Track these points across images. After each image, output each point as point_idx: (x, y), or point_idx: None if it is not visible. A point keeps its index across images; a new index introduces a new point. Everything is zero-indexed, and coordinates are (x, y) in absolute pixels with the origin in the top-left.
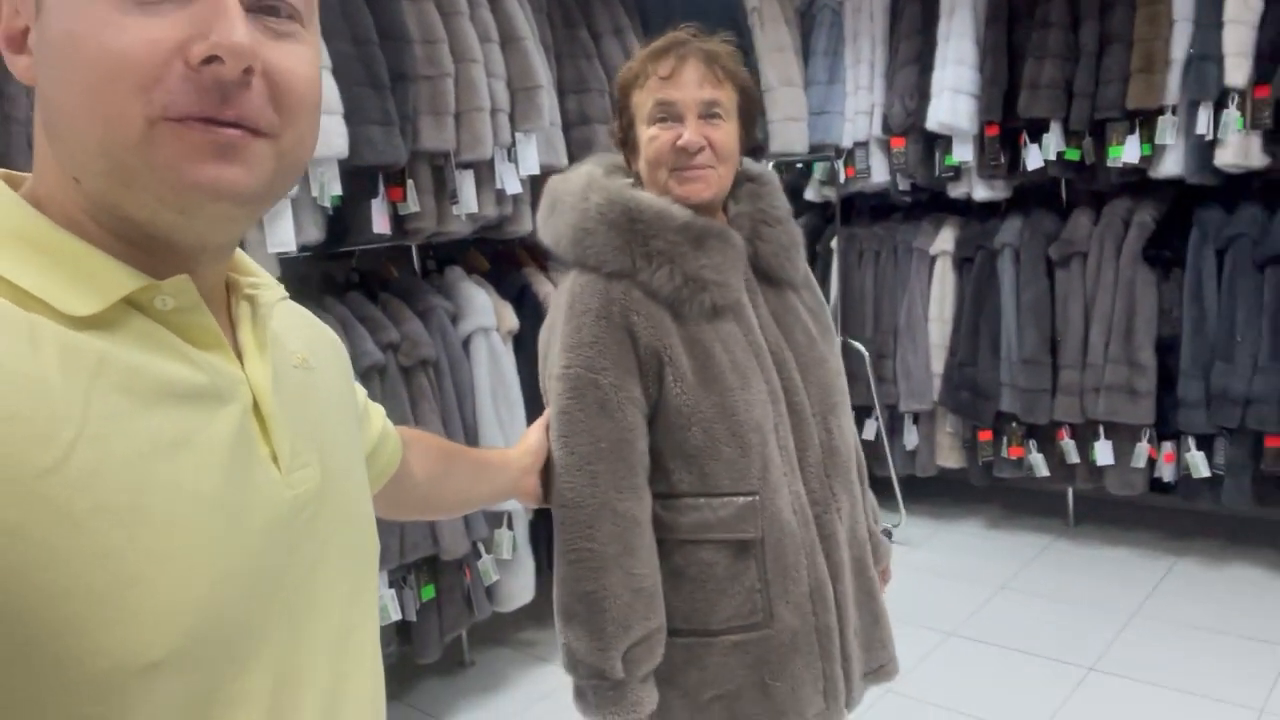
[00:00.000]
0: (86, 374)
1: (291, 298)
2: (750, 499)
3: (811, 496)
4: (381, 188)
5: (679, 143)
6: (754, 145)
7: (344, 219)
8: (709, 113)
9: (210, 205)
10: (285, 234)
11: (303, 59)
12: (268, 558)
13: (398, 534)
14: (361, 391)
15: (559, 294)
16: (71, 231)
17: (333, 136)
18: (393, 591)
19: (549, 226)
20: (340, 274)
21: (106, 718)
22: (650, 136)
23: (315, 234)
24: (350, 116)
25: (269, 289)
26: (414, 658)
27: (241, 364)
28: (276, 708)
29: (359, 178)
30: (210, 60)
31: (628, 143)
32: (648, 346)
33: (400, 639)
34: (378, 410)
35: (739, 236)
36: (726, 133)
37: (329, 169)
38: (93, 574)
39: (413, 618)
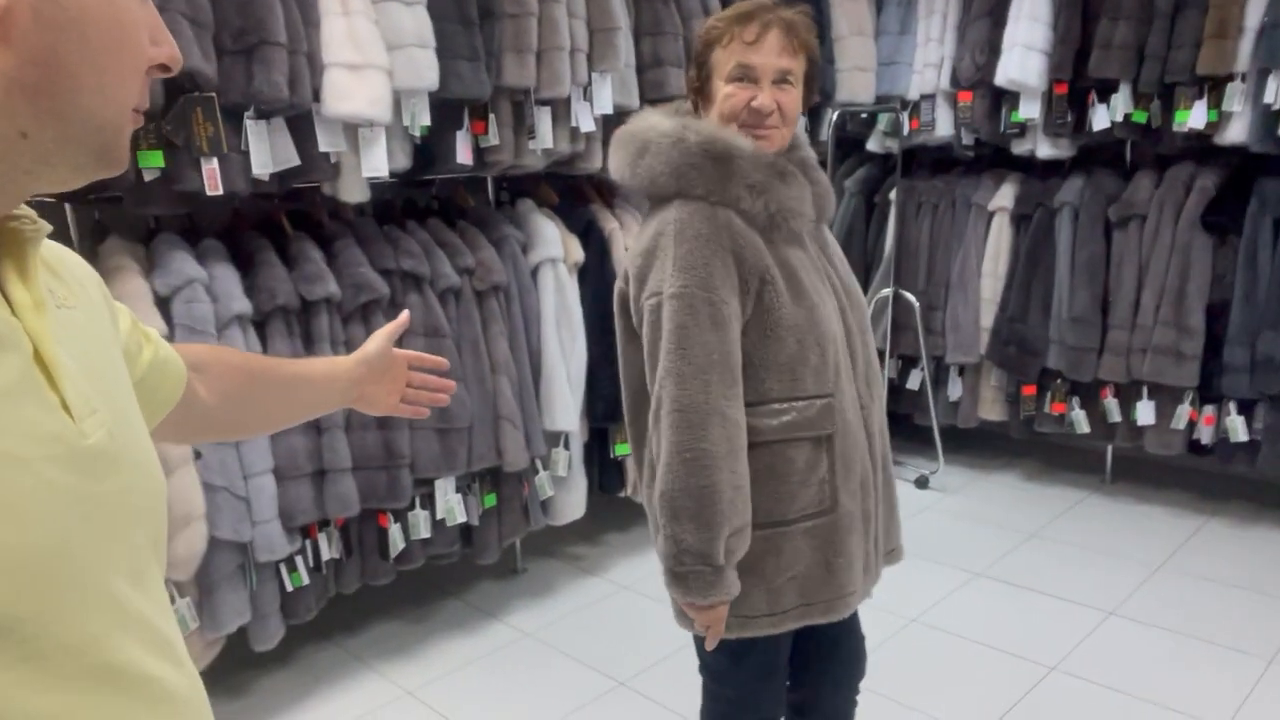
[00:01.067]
0: None
1: (378, 220)
2: (828, 400)
3: (860, 399)
4: (466, 120)
5: (754, 104)
6: (812, 104)
7: (429, 149)
8: (782, 79)
9: (116, 172)
10: (379, 160)
11: None
12: (73, 510)
13: (466, 443)
14: (128, 316)
15: (658, 223)
16: None
17: (425, 69)
18: (459, 496)
19: (641, 168)
20: (422, 200)
21: None
22: (727, 94)
23: (404, 161)
24: (441, 51)
25: (31, 223)
26: (474, 559)
27: (12, 309)
28: (96, 654)
29: (445, 110)
30: (161, 66)
31: (702, 92)
32: (752, 267)
33: (463, 541)
34: (151, 335)
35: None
36: (793, 98)
37: (420, 100)
38: None
39: (475, 522)
